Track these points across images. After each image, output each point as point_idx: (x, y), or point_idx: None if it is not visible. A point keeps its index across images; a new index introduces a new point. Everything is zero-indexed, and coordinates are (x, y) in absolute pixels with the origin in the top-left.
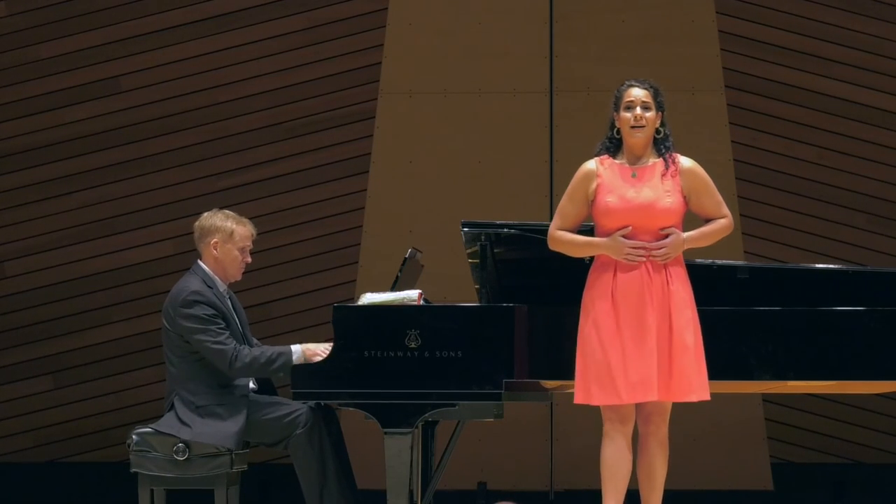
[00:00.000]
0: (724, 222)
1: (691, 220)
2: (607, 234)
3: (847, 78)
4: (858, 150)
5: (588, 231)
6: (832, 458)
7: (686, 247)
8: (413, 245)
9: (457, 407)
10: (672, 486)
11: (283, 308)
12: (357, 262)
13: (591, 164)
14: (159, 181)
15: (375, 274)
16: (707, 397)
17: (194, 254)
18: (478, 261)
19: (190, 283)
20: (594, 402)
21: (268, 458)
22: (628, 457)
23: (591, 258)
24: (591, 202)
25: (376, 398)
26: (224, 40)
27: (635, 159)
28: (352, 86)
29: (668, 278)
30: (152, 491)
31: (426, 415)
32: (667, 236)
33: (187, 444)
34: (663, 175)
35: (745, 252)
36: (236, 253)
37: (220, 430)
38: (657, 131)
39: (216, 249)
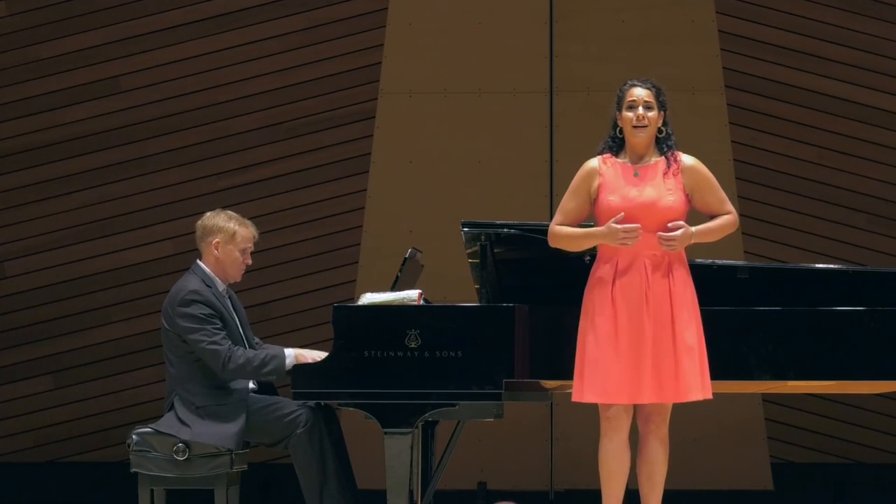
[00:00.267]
0: (729, 218)
1: (693, 219)
2: None
3: (847, 78)
4: (858, 150)
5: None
6: (832, 458)
7: (694, 241)
8: (413, 245)
9: (457, 407)
10: (672, 486)
11: (283, 308)
12: (357, 262)
13: (593, 163)
14: (159, 181)
15: (375, 274)
16: (710, 396)
17: (194, 254)
18: (478, 261)
19: (188, 283)
20: (586, 400)
21: (268, 458)
22: (626, 457)
23: (592, 258)
24: (594, 201)
25: (376, 398)
26: (224, 40)
27: (637, 158)
28: (352, 86)
29: (671, 278)
30: (152, 491)
31: (426, 415)
32: (675, 230)
33: (187, 444)
34: (665, 174)
35: (745, 252)
36: (237, 254)
37: (220, 431)
38: (659, 131)
39: (217, 250)
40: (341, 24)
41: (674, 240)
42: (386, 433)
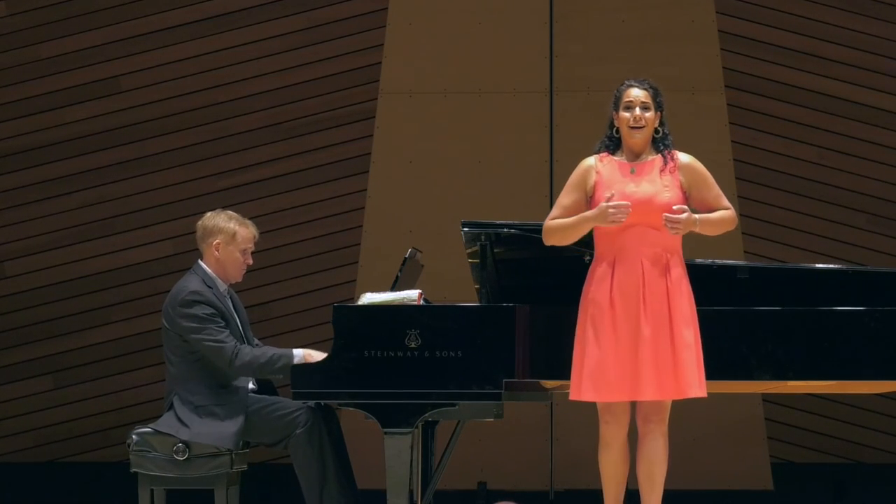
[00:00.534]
0: (728, 213)
1: None
2: (607, 232)
3: (847, 78)
4: (858, 150)
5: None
6: (832, 458)
7: (696, 228)
8: (413, 245)
9: (457, 407)
10: (672, 486)
11: (283, 308)
12: (357, 262)
13: (590, 160)
14: (159, 181)
15: (375, 274)
16: (704, 394)
17: (194, 254)
18: (478, 261)
19: (189, 283)
20: (583, 398)
21: (268, 458)
22: (625, 458)
23: (591, 257)
24: (590, 198)
25: (376, 398)
26: (224, 40)
27: (634, 157)
28: (352, 86)
29: (668, 277)
30: (152, 491)
31: (426, 415)
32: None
33: (187, 444)
34: (662, 171)
35: (745, 252)
36: (238, 255)
37: (219, 431)
38: (656, 131)
39: (218, 251)
40: (341, 24)
41: (678, 222)
42: (386, 433)
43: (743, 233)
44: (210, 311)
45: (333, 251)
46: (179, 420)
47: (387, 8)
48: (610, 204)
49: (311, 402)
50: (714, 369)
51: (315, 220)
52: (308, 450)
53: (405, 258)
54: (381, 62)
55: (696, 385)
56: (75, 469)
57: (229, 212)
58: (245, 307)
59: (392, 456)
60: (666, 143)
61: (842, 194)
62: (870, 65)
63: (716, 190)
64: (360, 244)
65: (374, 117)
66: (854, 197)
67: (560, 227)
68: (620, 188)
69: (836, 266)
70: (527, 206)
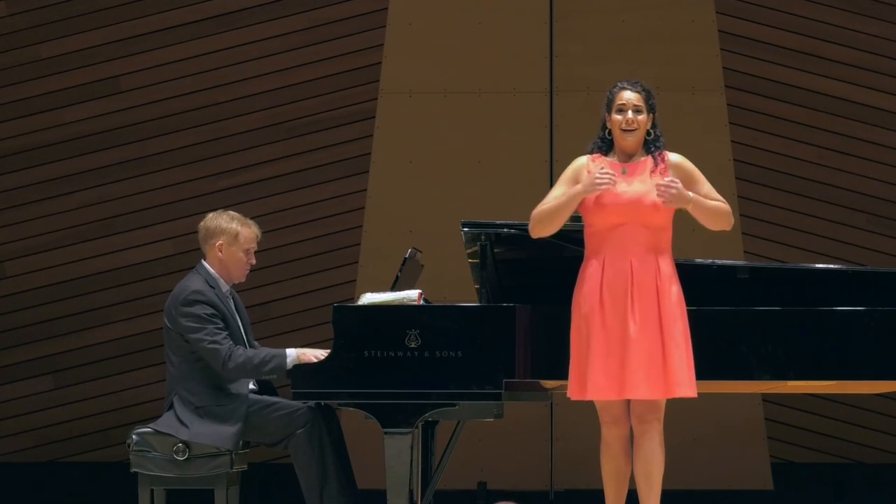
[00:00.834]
0: (724, 206)
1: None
2: (598, 231)
3: (847, 78)
4: (858, 150)
5: (573, 231)
6: (832, 458)
7: (689, 206)
8: (413, 245)
9: (457, 407)
10: (672, 486)
11: (283, 308)
12: (357, 262)
13: (583, 159)
14: (159, 181)
15: (375, 274)
16: (694, 394)
17: (194, 254)
18: (478, 261)
19: (191, 283)
20: (578, 397)
21: (268, 458)
22: (626, 458)
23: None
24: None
25: (376, 398)
26: (224, 40)
27: (626, 158)
28: (352, 86)
29: (658, 276)
30: (152, 491)
31: (426, 415)
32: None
33: (187, 444)
34: (653, 171)
35: (745, 252)
36: (241, 255)
37: (218, 431)
38: (648, 133)
39: (221, 251)
40: (341, 24)
41: (670, 187)
42: (386, 433)
43: (743, 233)
44: (210, 311)
45: (333, 251)
46: (179, 420)
47: (387, 8)
48: (594, 173)
49: (311, 402)
50: (714, 369)
51: (315, 220)
52: (308, 450)
53: (405, 258)
54: (381, 62)
55: (685, 384)
56: (75, 469)
57: (231, 212)
58: (246, 307)
59: (392, 456)
60: (657, 144)
61: (842, 194)
62: (870, 65)
63: (707, 186)
64: (360, 244)
65: (374, 117)
66: (854, 197)
67: (548, 209)
68: (611, 187)
69: (836, 266)
70: (527, 206)
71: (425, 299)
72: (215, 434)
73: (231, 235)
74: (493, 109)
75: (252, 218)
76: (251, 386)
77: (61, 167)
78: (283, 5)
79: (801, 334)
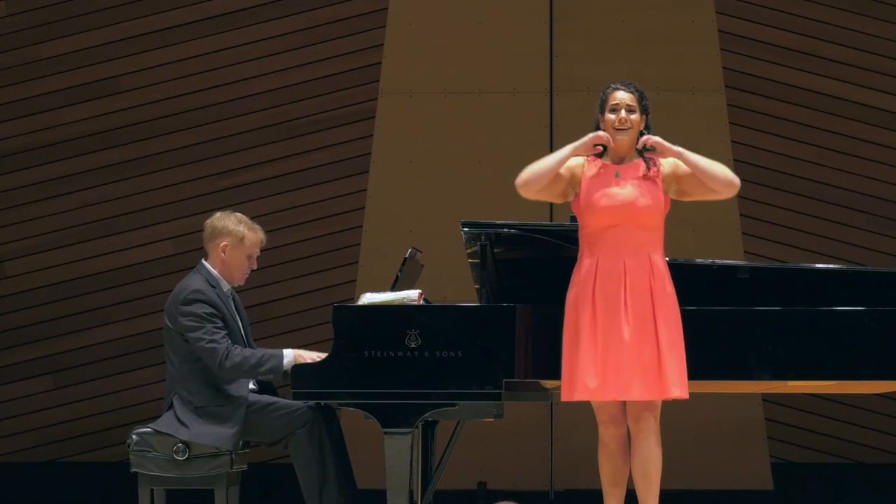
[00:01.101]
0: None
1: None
2: (592, 232)
3: (847, 78)
4: (858, 150)
5: (572, 231)
6: (832, 458)
7: (680, 157)
8: (413, 245)
9: (457, 407)
10: (672, 486)
11: (283, 308)
12: (357, 262)
13: (580, 159)
14: (159, 181)
15: (375, 274)
16: (685, 396)
17: (194, 254)
18: (478, 261)
19: (192, 282)
20: (573, 398)
21: (268, 458)
22: (624, 458)
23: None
24: (576, 194)
25: (376, 398)
26: (224, 40)
27: (619, 160)
28: (352, 86)
29: (651, 277)
30: (152, 491)
31: (426, 415)
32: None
33: (187, 444)
34: (646, 175)
35: (745, 252)
36: (243, 259)
37: (218, 431)
38: (641, 133)
39: (224, 253)
40: (341, 24)
41: (650, 138)
42: (386, 433)
43: (743, 233)
44: (210, 310)
45: (333, 251)
46: (179, 420)
47: (387, 8)
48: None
49: (311, 402)
50: (714, 369)
51: (315, 220)
52: (308, 449)
53: (405, 258)
54: (381, 62)
55: (678, 385)
56: (75, 469)
57: (239, 214)
58: (245, 307)
59: (392, 456)
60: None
61: (842, 194)
62: (870, 65)
63: None
64: (360, 244)
65: (374, 117)
66: (854, 197)
67: (537, 164)
68: (605, 189)
69: (836, 266)
70: (527, 206)
71: (425, 299)
72: (215, 434)
73: (237, 238)
74: (493, 109)
75: (252, 218)
76: (251, 386)
77: (61, 167)
78: (283, 5)
79: (801, 334)
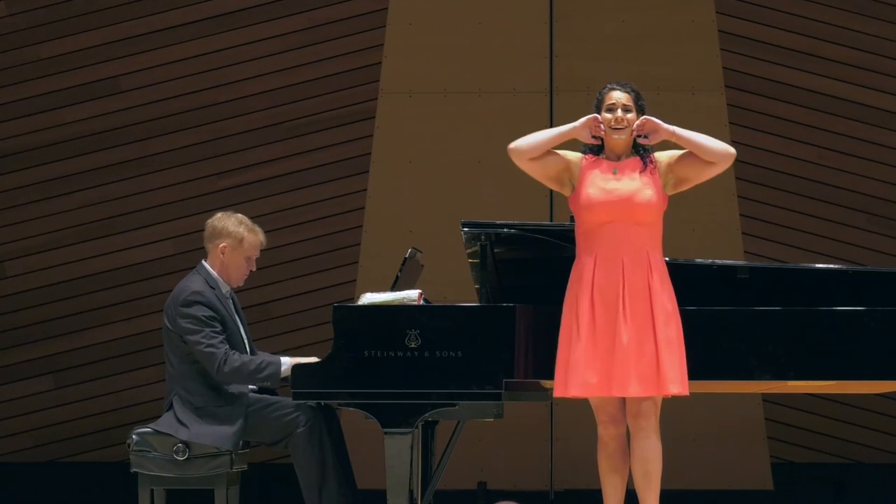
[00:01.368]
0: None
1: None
2: (589, 229)
3: (847, 78)
4: (858, 150)
5: (572, 231)
6: (832, 458)
7: (672, 138)
8: (413, 245)
9: (457, 407)
10: (672, 486)
11: (283, 308)
12: (357, 262)
13: (578, 154)
14: (159, 181)
15: (375, 274)
16: (686, 393)
17: (194, 254)
18: (478, 261)
19: (191, 283)
20: (567, 394)
21: (268, 458)
22: (623, 457)
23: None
24: (573, 190)
25: (376, 398)
26: (224, 40)
27: (616, 158)
28: (352, 86)
29: (650, 275)
30: (152, 491)
31: (426, 415)
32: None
33: (187, 444)
34: (642, 171)
35: (745, 252)
36: (242, 261)
37: (218, 431)
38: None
39: (223, 254)
40: (341, 24)
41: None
42: (386, 433)
43: (743, 233)
44: (209, 313)
45: (333, 251)
46: (179, 420)
47: (387, 8)
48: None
49: (312, 402)
50: (715, 369)
51: (315, 220)
52: (308, 449)
53: (405, 258)
54: (381, 62)
55: (677, 382)
56: (75, 469)
57: (240, 215)
58: (245, 307)
59: (392, 456)
60: (646, 146)
61: (842, 194)
62: (870, 65)
63: None
64: (360, 244)
65: (374, 117)
66: (854, 197)
67: (536, 134)
68: (602, 185)
69: (836, 266)
70: (527, 206)
71: (425, 299)
72: (215, 434)
73: (236, 240)
74: (493, 109)
75: (252, 218)
76: (251, 385)
77: (61, 167)
78: (283, 5)
79: (801, 334)
